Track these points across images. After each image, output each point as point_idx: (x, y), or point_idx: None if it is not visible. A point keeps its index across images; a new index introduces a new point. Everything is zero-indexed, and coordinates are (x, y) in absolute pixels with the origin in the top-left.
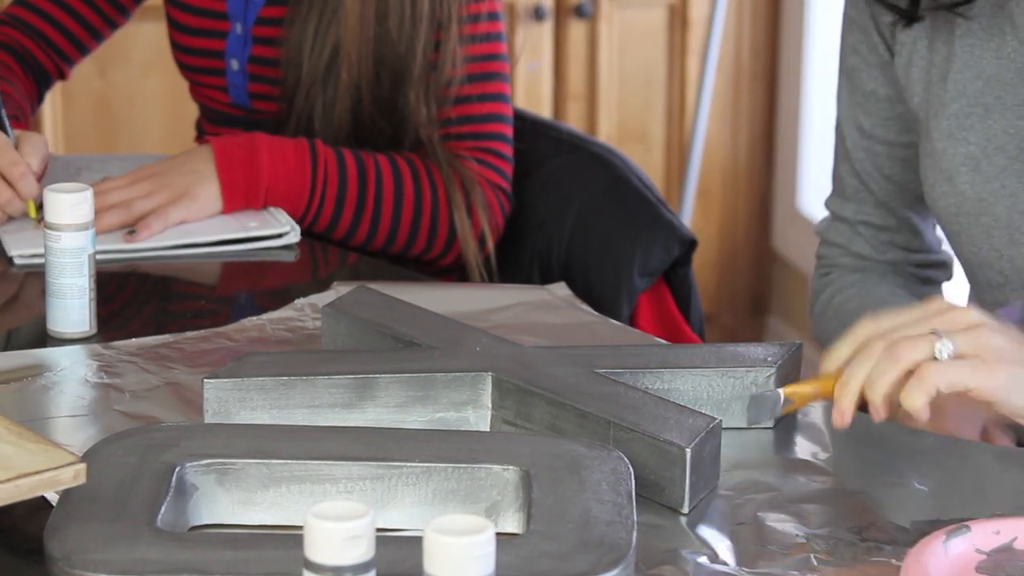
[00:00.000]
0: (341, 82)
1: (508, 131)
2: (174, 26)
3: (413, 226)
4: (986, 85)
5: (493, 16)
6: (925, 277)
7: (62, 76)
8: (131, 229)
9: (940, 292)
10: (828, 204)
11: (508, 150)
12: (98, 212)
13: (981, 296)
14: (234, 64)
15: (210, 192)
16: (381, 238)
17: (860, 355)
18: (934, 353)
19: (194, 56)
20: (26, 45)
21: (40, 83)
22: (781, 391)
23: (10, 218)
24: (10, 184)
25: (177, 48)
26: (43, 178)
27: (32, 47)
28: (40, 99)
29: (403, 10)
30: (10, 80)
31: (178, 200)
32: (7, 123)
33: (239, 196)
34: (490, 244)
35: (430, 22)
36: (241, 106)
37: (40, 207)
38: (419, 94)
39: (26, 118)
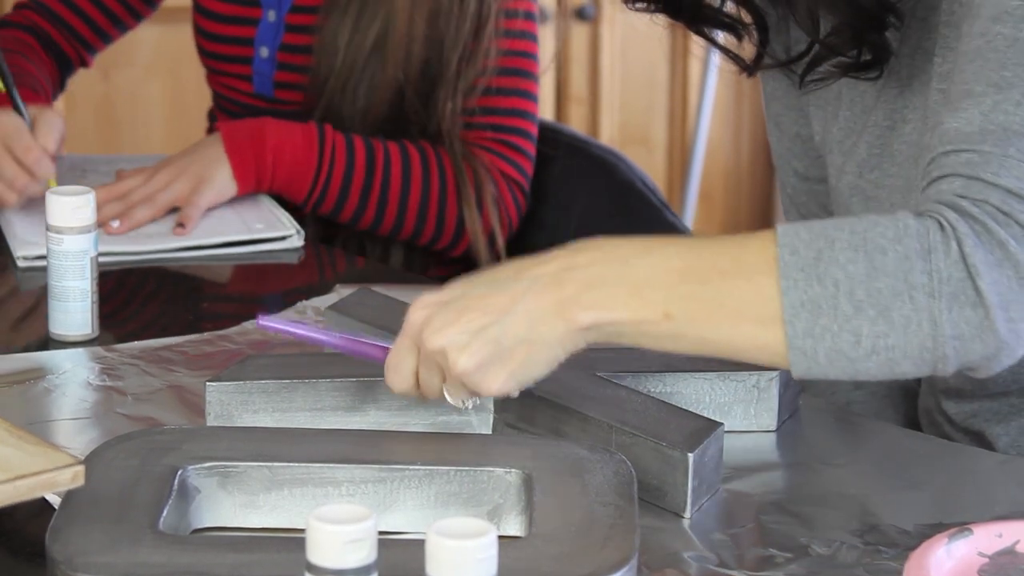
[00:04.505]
0: (385, 76)
1: (531, 128)
2: (202, 13)
3: (420, 214)
4: (862, 112)
5: (529, 15)
6: None
7: (84, 63)
8: (179, 223)
9: None
10: None
11: (529, 147)
12: (126, 210)
13: None
14: (264, 52)
15: (224, 175)
16: (388, 224)
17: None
18: (457, 405)
19: (221, 43)
20: (47, 31)
21: (62, 68)
22: None
23: (28, 201)
24: (26, 169)
25: (203, 35)
26: (59, 152)
27: (53, 33)
28: (62, 85)
29: (452, 9)
30: (31, 59)
31: (198, 187)
32: (22, 106)
33: (251, 177)
34: (500, 240)
35: (473, 21)
36: (264, 96)
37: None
38: (449, 87)
39: (49, 95)
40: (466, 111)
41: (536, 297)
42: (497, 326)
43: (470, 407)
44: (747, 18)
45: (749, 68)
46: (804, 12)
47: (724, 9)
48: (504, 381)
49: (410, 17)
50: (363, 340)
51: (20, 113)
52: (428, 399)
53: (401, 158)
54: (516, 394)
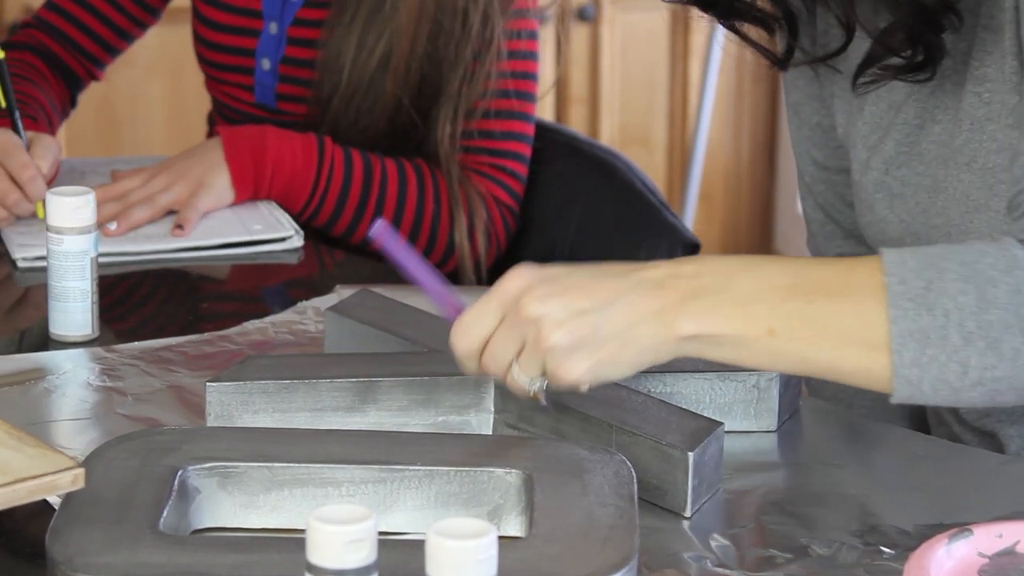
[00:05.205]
0: (385, 93)
1: (525, 151)
2: (202, 22)
3: (412, 233)
4: (889, 108)
5: (531, 35)
6: None
7: (93, 77)
8: (177, 224)
9: None
10: (808, 246)
11: (522, 170)
12: (124, 211)
13: None
14: (265, 64)
15: (222, 181)
16: None
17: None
18: (522, 383)
19: (222, 53)
20: (53, 49)
21: (71, 86)
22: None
23: (17, 219)
24: (19, 186)
25: (203, 44)
26: (54, 181)
27: (59, 50)
28: (73, 102)
29: (454, 30)
30: (37, 83)
31: (196, 191)
32: (20, 126)
33: (248, 185)
34: (483, 265)
35: (476, 41)
36: (265, 106)
37: None
38: (449, 109)
39: (52, 120)
40: (465, 134)
41: (641, 297)
42: (598, 313)
43: (533, 391)
44: (779, 13)
45: (780, 63)
46: (866, 10)
47: (756, 3)
48: (585, 370)
49: (414, 36)
50: (447, 291)
51: (18, 133)
52: (480, 372)
53: (398, 176)
54: (585, 389)
